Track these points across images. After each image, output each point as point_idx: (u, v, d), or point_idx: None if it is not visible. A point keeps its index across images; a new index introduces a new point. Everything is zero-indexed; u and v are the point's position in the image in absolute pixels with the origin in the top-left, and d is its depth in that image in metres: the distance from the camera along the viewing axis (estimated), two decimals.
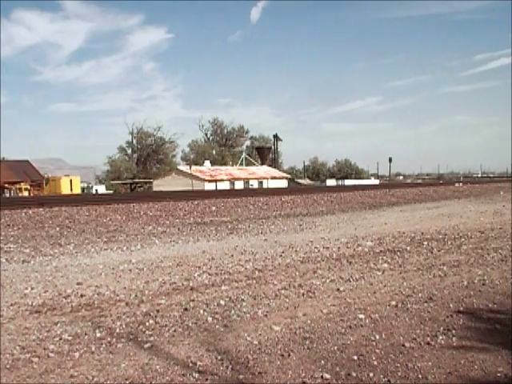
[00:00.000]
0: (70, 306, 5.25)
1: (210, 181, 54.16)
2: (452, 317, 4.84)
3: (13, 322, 4.69)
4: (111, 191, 54.24)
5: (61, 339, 4.22)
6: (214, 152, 77.57)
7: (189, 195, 25.19)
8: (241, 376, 3.51)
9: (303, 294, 5.71)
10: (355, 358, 3.84)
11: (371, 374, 3.54)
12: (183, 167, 59.77)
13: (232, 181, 57.38)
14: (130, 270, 7.13)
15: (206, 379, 3.46)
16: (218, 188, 49.43)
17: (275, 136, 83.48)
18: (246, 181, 59.26)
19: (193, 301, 5.43)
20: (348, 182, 71.01)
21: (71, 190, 45.44)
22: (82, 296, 5.67)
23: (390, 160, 73.58)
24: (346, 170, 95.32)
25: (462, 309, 5.11)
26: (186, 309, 5.12)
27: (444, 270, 6.98)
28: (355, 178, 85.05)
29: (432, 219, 14.46)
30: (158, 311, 5.04)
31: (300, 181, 75.36)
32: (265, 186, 58.09)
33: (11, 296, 5.68)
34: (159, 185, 54.65)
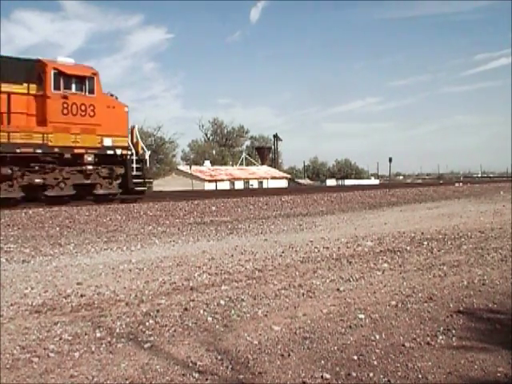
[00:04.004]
0: (70, 306, 5.25)
1: (210, 181, 54.23)
2: (452, 317, 4.84)
3: (13, 322, 4.69)
4: None
5: (61, 339, 4.22)
6: (213, 152, 77.68)
7: (189, 195, 25.18)
8: (241, 376, 3.51)
9: (303, 294, 5.71)
10: (355, 357, 3.84)
11: (371, 374, 3.54)
12: (183, 167, 59.84)
13: (232, 181, 57.44)
14: (130, 270, 7.13)
15: (206, 379, 3.46)
16: (218, 188, 49.46)
17: (275, 136, 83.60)
18: (246, 181, 59.32)
19: (193, 301, 5.43)
20: (348, 182, 71.05)
21: None
22: (81, 296, 5.67)
23: (390, 160, 73.74)
24: (346, 169, 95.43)
25: (461, 309, 5.11)
26: (186, 309, 5.12)
27: (444, 270, 6.98)
28: (355, 178, 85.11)
29: (432, 219, 14.45)
30: (158, 311, 5.04)
31: (300, 181, 75.42)
32: (265, 185, 58.11)
33: (11, 296, 5.67)
34: (159, 185, 54.68)
